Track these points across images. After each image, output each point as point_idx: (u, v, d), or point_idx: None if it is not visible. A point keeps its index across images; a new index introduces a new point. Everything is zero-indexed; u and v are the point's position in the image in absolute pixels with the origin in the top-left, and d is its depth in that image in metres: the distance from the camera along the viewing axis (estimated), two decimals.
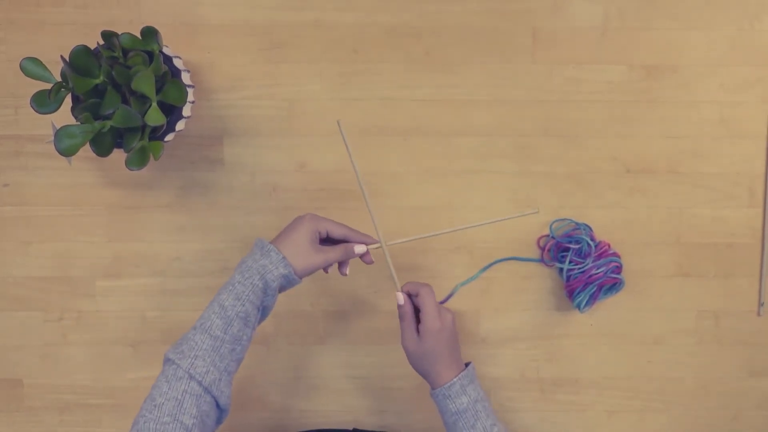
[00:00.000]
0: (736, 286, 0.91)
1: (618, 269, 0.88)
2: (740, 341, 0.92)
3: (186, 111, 0.81)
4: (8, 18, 0.87)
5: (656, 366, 0.92)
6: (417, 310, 0.80)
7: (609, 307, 0.91)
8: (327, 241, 0.79)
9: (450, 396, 0.76)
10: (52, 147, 0.73)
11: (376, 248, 0.80)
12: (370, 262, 0.80)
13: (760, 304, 0.91)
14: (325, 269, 0.78)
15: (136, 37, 0.76)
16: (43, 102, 0.74)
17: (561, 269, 0.88)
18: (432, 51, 0.88)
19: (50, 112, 0.75)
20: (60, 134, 0.72)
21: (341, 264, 0.80)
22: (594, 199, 0.90)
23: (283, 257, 0.74)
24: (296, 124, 0.89)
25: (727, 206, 0.90)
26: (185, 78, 0.81)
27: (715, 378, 0.92)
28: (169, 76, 0.78)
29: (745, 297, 0.91)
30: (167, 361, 0.70)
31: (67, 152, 0.72)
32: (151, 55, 0.77)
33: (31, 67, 0.74)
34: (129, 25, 0.86)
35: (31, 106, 0.74)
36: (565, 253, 0.88)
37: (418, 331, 0.78)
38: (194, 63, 0.88)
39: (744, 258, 0.90)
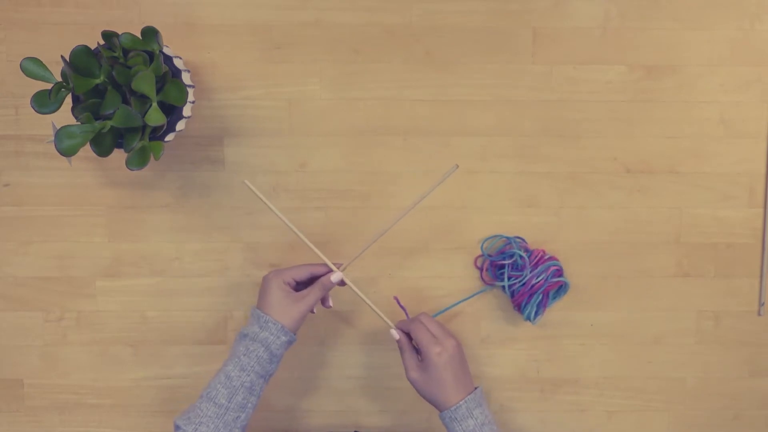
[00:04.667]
0: (736, 286, 0.91)
1: (559, 272, 0.88)
2: (740, 341, 0.92)
3: (186, 111, 0.81)
4: (8, 18, 0.87)
5: (656, 366, 0.92)
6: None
7: (609, 307, 0.91)
8: (298, 286, 0.82)
9: (456, 419, 0.77)
10: (53, 147, 0.73)
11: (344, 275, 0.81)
12: (344, 284, 0.82)
13: (761, 304, 0.91)
14: (312, 310, 0.82)
15: (136, 37, 0.76)
16: (44, 102, 0.74)
17: (503, 287, 0.88)
18: (432, 51, 0.88)
19: (50, 112, 0.75)
20: (60, 134, 0.72)
21: (324, 299, 0.83)
22: (594, 199, 0.90)
23: (282, 326, 0.77)
24: (296, 124, 0.89)
25: (727, 206, 0.90)
26: (185, 78, 0.81)
27: (715, 378, 0.92)
28: (169, 76, 0.78)
29: (745, 297, 0.91)
30: (175, 427, 0.75)
31: (67, 152, 0.72)
32: (151, 55, 0.77)
33: (32, 67, 0.74)
34: (129, 25, 0.86)
35: (32, 106, 0.74)
36: (503, 270, 0.88)
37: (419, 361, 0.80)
38: (194, 63, 0.88)
39: (744, 258, 0.90)
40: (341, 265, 0.82)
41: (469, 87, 0.88)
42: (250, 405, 0.77)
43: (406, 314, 0.87)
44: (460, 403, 0.77)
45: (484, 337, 0.91)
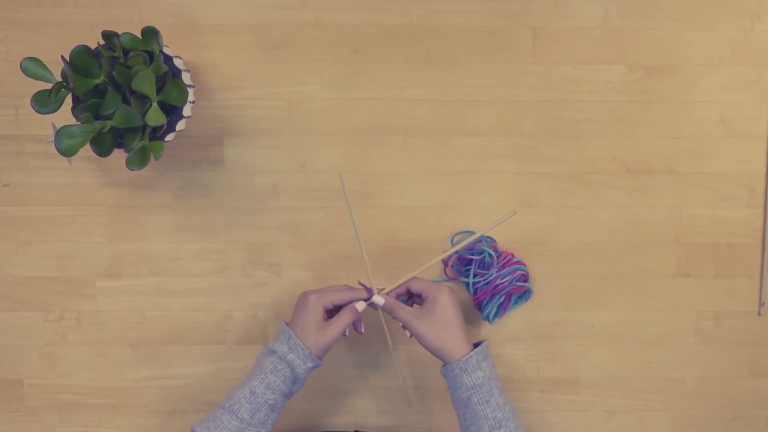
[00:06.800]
0: (736, 286, 0.91)
1: (524, 277, 0.88)
2: (740, 341, 0.92)
3: (186, 111, 0.81)
4: (8, 18, 0.87)
5: (656, 366, 0.92)
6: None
7: (609, 307, 0.91)
8: (335, 309, 0.81)
9: (467, 370, 0.76)
10: (53, 147, 0.73)
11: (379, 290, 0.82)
12: (376, 307, 0.81)
13: (761, 304, 0.91)
14: (345, 333, 0.80)
15: (136, 37, 0.76)
16: (44, 102, 0.74)
17: (467, 283, 0.87)
18: (432, 51, 0.88)
19: (51, 112, 0.75)
20: (60, 134, 0.72)
21: (355, 324, 0.82)
22: (594, 199, 0.90)
23: (310, 353, 0.77)
24: (296, 124, 0.89)
25: (727, 206, 0.90)
26: (186, 78, 0.81)
27: (715, 378, 0.92)
28: (169, 76, 0.78)
29: (745, 297, 0.91)
30: None
31: (67, 152, 0.72)
32: (151, 55, 0.77)
33: (32, 67, 0.74)
34: (129, 25, 0.86)
35: (32, 106, 0.74)
36: (469, 267, 0.87)
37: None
38: (195, 63, 0.88)
39: (744, 258, 0.90)
40: (382, 289, 0.81)
41: (469, 87, 0.88)
42: (270, 421, 0.77)
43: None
44: (471, 354, 0.76)
45: (484, 337, 0.91)
